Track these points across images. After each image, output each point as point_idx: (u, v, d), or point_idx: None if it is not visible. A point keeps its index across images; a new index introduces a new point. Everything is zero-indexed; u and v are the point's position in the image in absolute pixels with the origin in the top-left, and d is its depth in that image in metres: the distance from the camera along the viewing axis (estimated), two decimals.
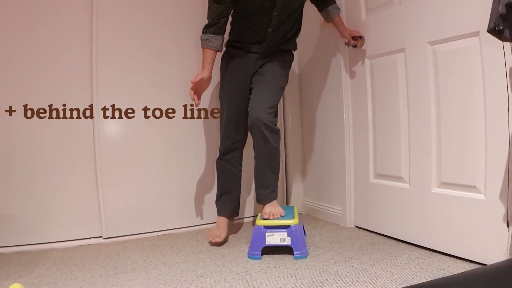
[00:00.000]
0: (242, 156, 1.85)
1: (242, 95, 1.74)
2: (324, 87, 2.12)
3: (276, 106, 1.65)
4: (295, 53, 1.88)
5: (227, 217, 1.83)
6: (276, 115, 1.65)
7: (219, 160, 1.83)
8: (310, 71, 2.24)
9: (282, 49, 1.75)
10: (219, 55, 1.85)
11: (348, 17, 1.90)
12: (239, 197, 1.87)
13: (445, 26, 1.41)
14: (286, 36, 1.72)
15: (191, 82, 1.62)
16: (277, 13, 1.60)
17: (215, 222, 2.11)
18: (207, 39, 1.61)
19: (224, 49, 1.77)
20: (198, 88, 1.65)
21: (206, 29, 1.61)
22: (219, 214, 1.84)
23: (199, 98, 1.67)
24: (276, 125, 1.64)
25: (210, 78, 1.65)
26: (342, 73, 1.95)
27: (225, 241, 1.79)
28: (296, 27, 1.74)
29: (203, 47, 1.63)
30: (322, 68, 2.12)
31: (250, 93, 1.73)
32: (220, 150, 1.82)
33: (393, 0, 1.64)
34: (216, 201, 1.86)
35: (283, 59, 1.75)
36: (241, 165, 1.86)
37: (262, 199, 1.69)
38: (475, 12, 1.30)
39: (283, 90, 1.74)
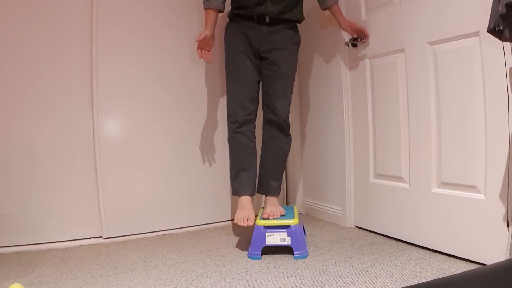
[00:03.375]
0: (255, 129, 1.75)
1: (253, 66, 1.69)
2: (324, 87, 2.12)
3: (290, 100, 1.71)
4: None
5: (249, 195, 1.68)
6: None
7: (233, 134, 1.69)
8: (310, 71, 2.24)
9: (289, 19, 1.69)
10: (223, 28, 1.83)
11: (348, 17, 1.90)
12: (257, 174, 1.74)
13: (445, 26, 1.41)
14: None
15: (196, 41, 1.62)
16: None
17: (215, 222, 2.12)
18: (208, 0, 1.64)
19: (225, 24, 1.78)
20: (204, 46, 1.65)
21: None
22: (239, 194, 1.67)
23: (209, 53, 1.66)
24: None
25: (213, 36, 1.67)
26: (342, 73, 1.95)
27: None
28: None
29: (204, 8, 1.66)
30: (322, 68, 2.12)
31: (260, 68, 1.71)
32: (234, 123, 1.68)
33: (393, 0, 1.64)
34: (232, 180, 1.71)
35: (292, 39, 1.71)
36: (255, 139, 1.74)
37: (270, 190, 1.69)
38: (475, 12, 1.30)
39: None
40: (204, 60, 1.66)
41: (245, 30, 1.69)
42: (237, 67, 1.68)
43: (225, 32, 1.76)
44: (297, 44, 1.75)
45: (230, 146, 1.72)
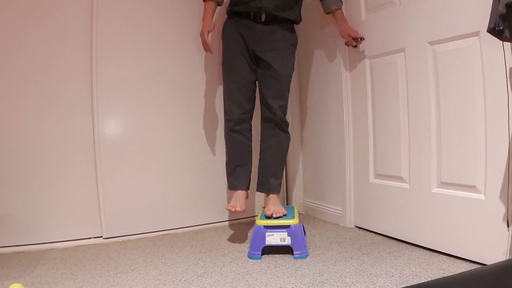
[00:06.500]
0: (251, 127, 1.80)
1: (249, 66, 1.71)
2: (324, 87, 2.12)
3: (287, 98, 1.71)
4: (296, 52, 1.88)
5: (245, 190, 1.75)
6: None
7: (230, 132, 1.74)
8: (310, 71, 2.24)
9: (286, 18, 1.68)
10: (221, 26, 1.84)
11: (348, 17, 1.90)
12: (251, 171, 1.79)
13: (445, 26, 1.41)
14: None
15: (202, 38, 1.66)
16: None
17: (215, 222, 2.13)
18: None
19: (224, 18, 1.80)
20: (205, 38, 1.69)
21: None
22: (234, 188, 1.74)
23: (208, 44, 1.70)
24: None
25: (214, 23, 1.70)
26: (342, 73, 1.95)
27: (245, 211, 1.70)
28: None
29: (204, 0, 1.70)
30: (322, 68, 2.12)
31: (256, 64, 1.72)
32: (230, 121, 1.73)
33: (393, 0, 1.64)
34: (229, 175, 1.77)
35: (289, 40, 1.71)
36: (252, 136, 1.79)
37: (271, 188, 1.70)
38: (475, 12, 1.30)
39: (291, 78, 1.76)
40: (210, 52, 1.71)
41: (241, 30, 1.70)
42: (233, 67, 1.71)
43: (223, 31, 1.78)
44: (294, 44, 1.76)
45: (227, 143, 1.78)
